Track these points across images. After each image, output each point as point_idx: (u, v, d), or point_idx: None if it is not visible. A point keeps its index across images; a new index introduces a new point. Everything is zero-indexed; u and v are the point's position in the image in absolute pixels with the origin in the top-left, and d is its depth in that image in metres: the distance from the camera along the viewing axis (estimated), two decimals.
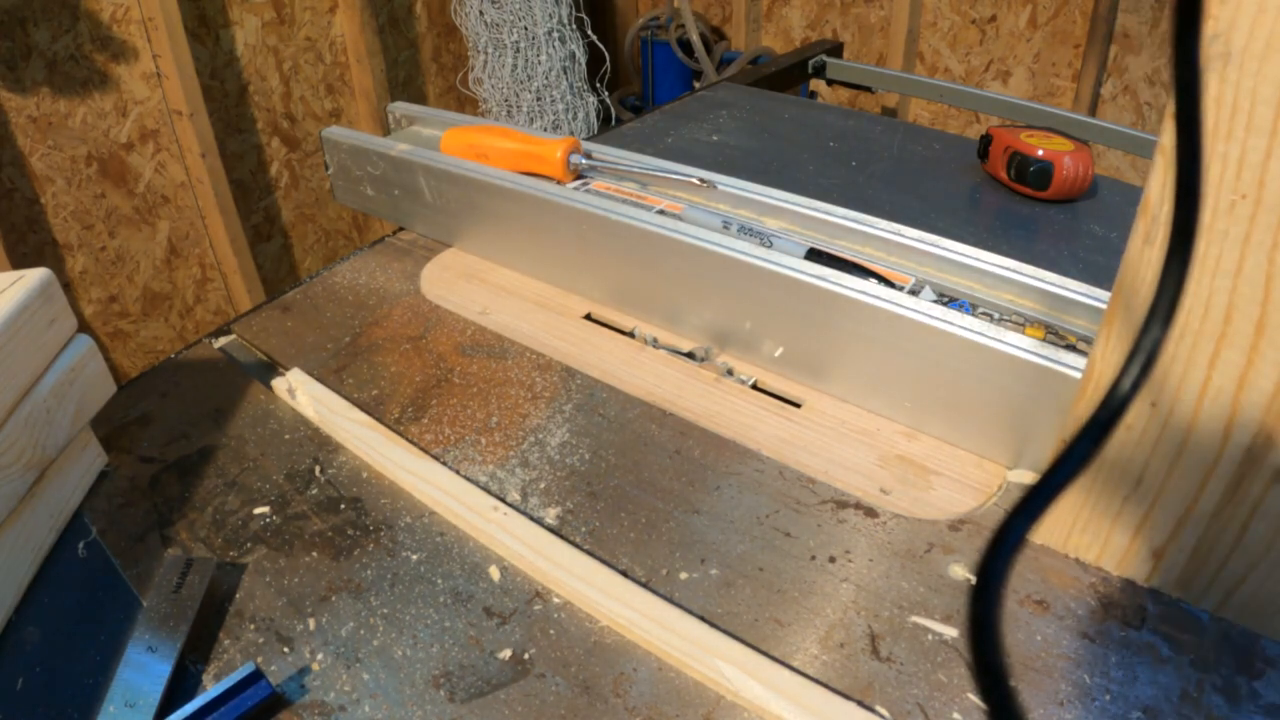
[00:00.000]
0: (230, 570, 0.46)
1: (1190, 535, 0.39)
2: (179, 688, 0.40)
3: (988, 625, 0.16)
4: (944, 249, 0.56)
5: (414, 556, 0.46)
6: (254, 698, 0.38)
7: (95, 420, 0.57)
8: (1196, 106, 0.18)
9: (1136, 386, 0.18)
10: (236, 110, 1.59)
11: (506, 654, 0.41)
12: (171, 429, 0.56)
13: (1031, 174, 0.79)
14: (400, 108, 0.86)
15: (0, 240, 1.27)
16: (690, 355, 0.59)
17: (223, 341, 0.65)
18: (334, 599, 0.44)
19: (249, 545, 0.47)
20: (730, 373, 0.58)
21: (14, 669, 0.41)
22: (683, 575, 0.45)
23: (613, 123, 2.10)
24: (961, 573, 0.44)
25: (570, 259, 0.66)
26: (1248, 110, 0.29)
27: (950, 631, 0.41)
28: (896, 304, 0.50)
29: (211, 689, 0.37)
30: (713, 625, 0.41)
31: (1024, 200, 0.82)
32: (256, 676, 0.38)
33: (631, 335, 0.63)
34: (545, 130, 1.48)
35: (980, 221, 0.79)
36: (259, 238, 1.70)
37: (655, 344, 0.61)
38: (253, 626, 0.43)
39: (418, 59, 1.91)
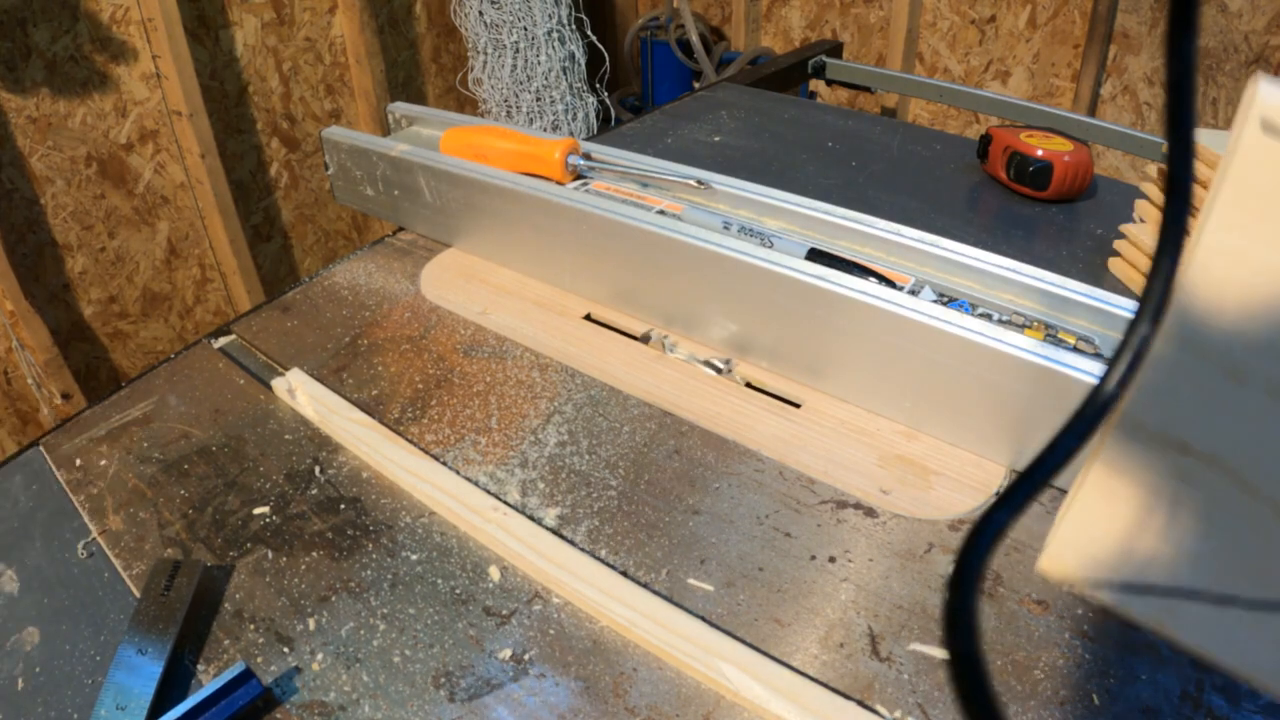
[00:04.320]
0: (218, 572, 0.46)
1: None
2: (172, 689, 0.40)
3: (963, 614, 0.16)
4: (944, 249, 0.56)
5: (414, 556, 0.46)
6: (245, 697, 0.38)
7: (95, 420, 0.57)
8: (1189, 105, 0.18)
9: (1124, 384, 0.18)
10: (236, 111, 1.59)
11: (506, 654, 0.41)
12: (171, 429, 0.56)
13: (1031, 174, 0.80)
14: (400, 108, 0.86)
15: (0, 240, 1.27)
16: (710, 366, 0.59)
17: (222, 342, 0.65)
18: (334, 599, 0.44)
19: (249, 545, 0.47)
20: (726, 366, 0.58)
21: (14, 669, 0.41)
22: (682, 575, 0.45)
23: (612, 123, 2.10)
24: None
25: (570, 259, 0.66)
26: None
27: None
28: (896, 304, 0.50)
29: (201, 690, 0.37)
30: (713, 625, 0.41)
31: (1023, 200, 0.82)
32: (247, 676, 0.38)
33: (646, 340, 0.63)
34: (545, 131, 1.48)
35: (980, 221, 0.79)
36: (259, 238, 1.70)
37: (672, 350, 0.61)
38: (253, 627, 0.43)
39: (417, 59, 1.91)
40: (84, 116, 1.37)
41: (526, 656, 0.41)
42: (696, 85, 2.16)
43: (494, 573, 0.45)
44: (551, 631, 0.42)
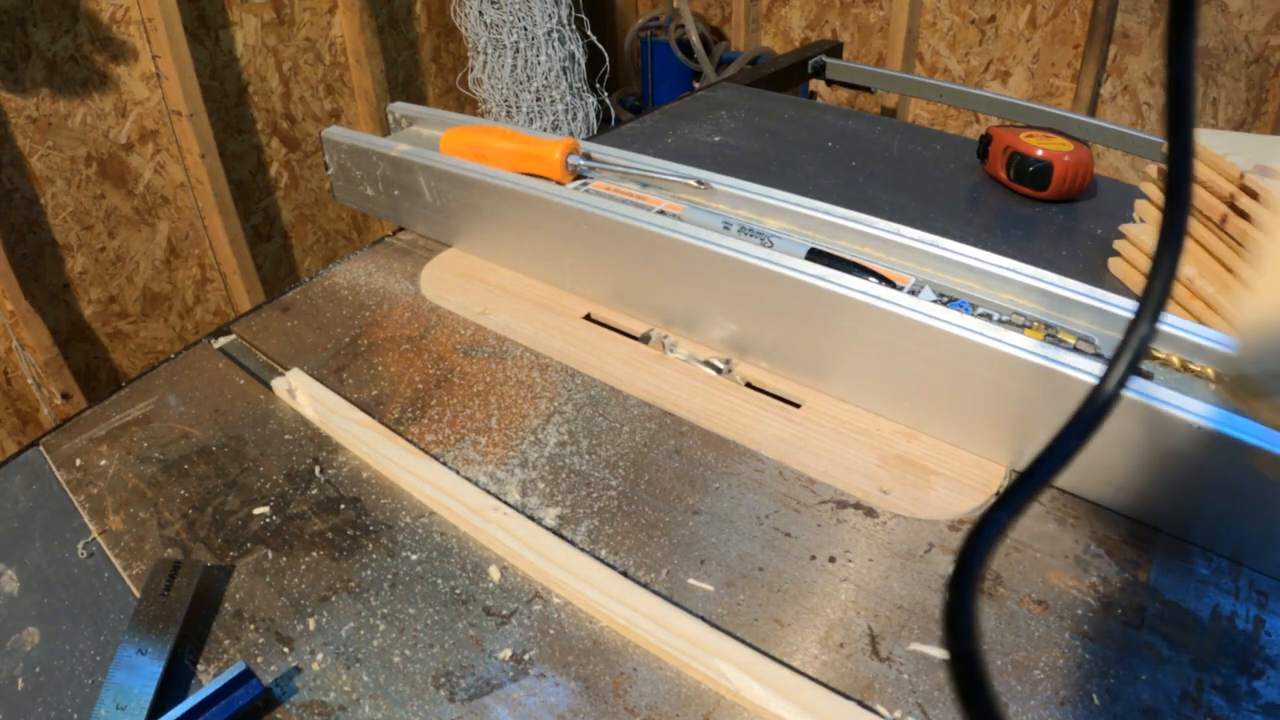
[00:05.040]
0: (218, 572, 0.46)
1: None
2: (172, 689, 0.40)
3: (963, 614, 0.16)
4: (944, 249, 0.56)
5: (414, 556, 0.46)
6: (245, 697, 0.38)
7: (95, 420, 0.57)
8: (1189, 105, 0.18)
9: (1123, 384, 0.18)
10: (236, 111, 1.59)
11: (506, 654, 0.41)
12: (171, 429, 0.56)
13: (1031, 174, 0.80)
14: (400, 108, 0.86)
15: (0, 240, 1.27)
16: (710, 365, 0.59)
17: (222, 342, 0.65)
18: (334, 599, 0.44)
19: (249, 545, 0.47)
20: (725, 364, 0.58)
21: (14, 669, 0.41)
22: (682, 575, 0.45)
23: (612, 123, 2.10)
24: None
25: (570, 259, 0.66)
26: None
27: None
28: (896, 304, 0.50)
29: (201, 690, 0.37)
30: (713, 625, 0.41)
31: (1023, 200, 0.82)
32: (247, 676, 0.38)
33: (646, 340, 0.63)
34: (545, 131, 1.48)
35: (980, 221, 0.79)
36: (259, 238, 1.70)
37: (672, 350, 0.61)
38: (253, 627, 0.43)
39: (417, 59, 1.91)
40: (84, 116, 1.37)
41: (526, 656, 0.41)
42: (696, 85, 2.16)
43: (494, 573, 0.45)
44: (551, 631, 0.42)
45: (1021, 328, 0.52)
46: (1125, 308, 0.50)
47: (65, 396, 1.39)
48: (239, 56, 1.56)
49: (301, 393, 0.57)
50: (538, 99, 1.75)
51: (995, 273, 0.54)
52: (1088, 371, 0.44)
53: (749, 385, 0.58)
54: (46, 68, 1.31)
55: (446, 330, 0.64)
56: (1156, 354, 0.49)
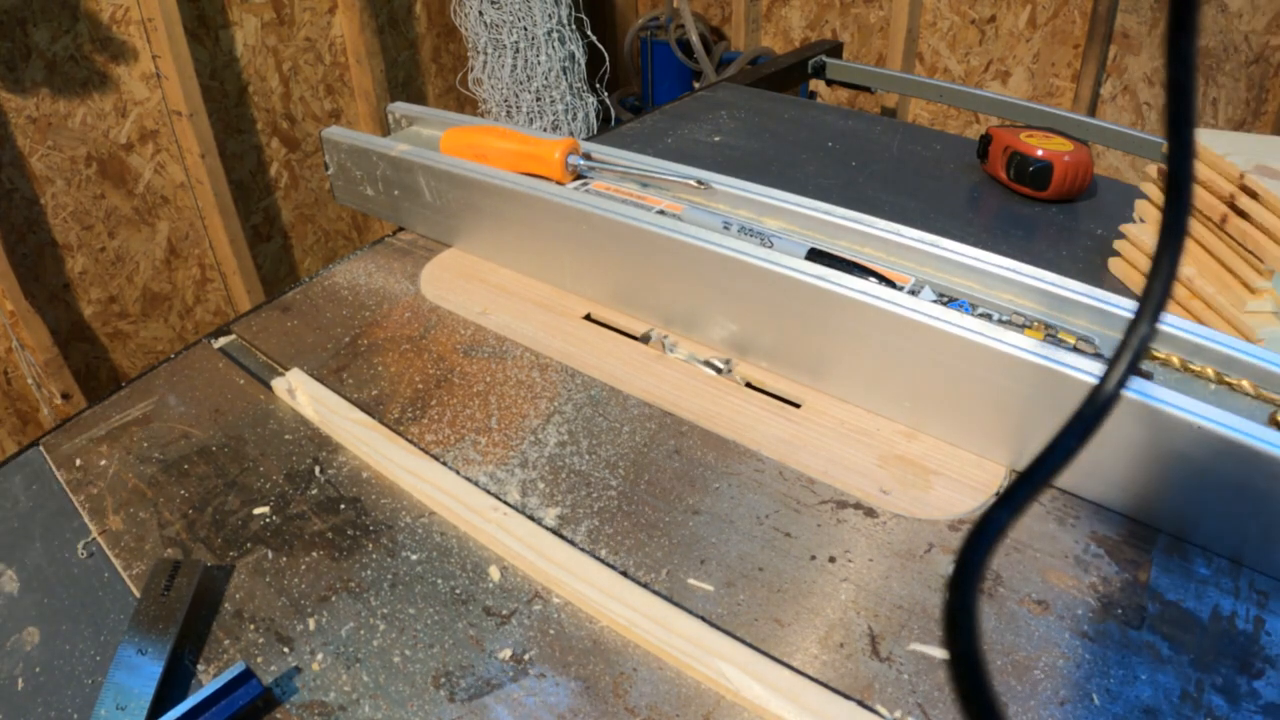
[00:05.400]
0: (218, 572, 0.46)
1: None
2: (172, 689, 0.40)
3: (963, 614, 0.16)
4: (944, 249, 0.56)
5: (414, 556, 0.46)
6: (245, 697, 0.38)
7: (95, 420, 0.57)
8: (1189, 105, 0.18)
9: (1123, 384, 0.18)
10: (236, 111, 1.59)
11: (506, 654, 0.41)
12: (171, 429, 0.56)
13: (1031, 174, 0.80)
14: (400, 108, 0.86)
15: (0, 240, 1.27)
16: (710, 365, 0.59)
17: (222, 342, 0.65)
18: (334, 599, 0.44)
19: (249, 545, 0.47)
20: (724, 364, 0.58)
21: (14, 669, 0.41)
22: (682, 575, 0.45)
23: (612, 123, 2.10)
24: None
25: (570, 259, 0.66)
26: None
27: None
28: (896, 304, 0.50)
29: (201, 689, 0.37)
30: (713, 625, 0.41)
31: (1023, 200, 0.82)
32: (247, 676, 0.38)
33: (646, 340, 0.63)
34: (545, 131, 1.48)
35: (980, 221, 0.79)
36: (259, 238, 1.70)
37: (672, 350, 0.61)
38: (253, 627, 0.43)
39: (417, 59, 1.91)
40: (84, 116, 1.37)
41: (526, 656, 0.41)
42: (696, 85, 2.16)
43: (494, 573, 0.45)
44: (551, 631, 0.42)
45: (1021, 328, 0.52)
46: (1125, 308, 0.50)
47: (65, 396, 1.39)
48: (239, 56, 1.56)
49: (301, 393, 0.57)
50: (538, 99, 1.75)
51: (995, 273, 0.54)
52: (1088, 371, 0.44)
53: (749, 385, 0.58)
54: (46, 68, 1.31)
55: (446, 330, 0.64)
56: (1156, 354, 0.49)
